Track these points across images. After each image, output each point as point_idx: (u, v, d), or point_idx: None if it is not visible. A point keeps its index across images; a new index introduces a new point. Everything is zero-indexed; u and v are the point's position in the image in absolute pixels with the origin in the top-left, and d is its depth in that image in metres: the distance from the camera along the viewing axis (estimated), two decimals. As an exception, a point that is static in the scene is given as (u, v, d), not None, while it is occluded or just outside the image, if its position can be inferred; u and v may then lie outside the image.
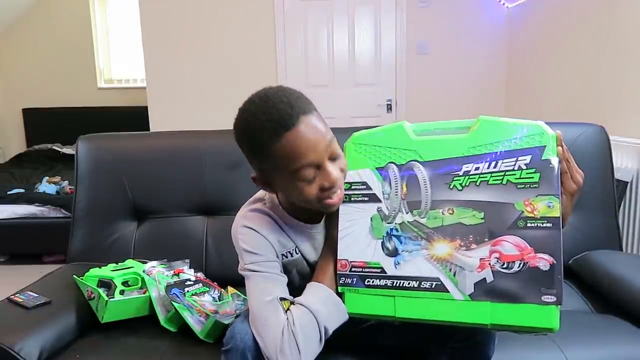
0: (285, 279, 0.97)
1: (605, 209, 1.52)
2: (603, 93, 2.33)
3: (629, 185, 1.91)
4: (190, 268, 1.41)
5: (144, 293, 1.26)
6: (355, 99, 3.60)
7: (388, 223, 0.90)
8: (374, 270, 0.90)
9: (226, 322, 1.13)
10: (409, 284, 0.87)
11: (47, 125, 4.74)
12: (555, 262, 0.79)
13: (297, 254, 1.01)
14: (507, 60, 3.55)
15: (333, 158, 0.89)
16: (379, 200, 0.91)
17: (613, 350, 1.15)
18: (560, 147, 0.82)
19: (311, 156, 0.85)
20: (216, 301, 1.27)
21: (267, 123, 0.85)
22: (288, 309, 0.90)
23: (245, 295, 1.30)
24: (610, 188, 1.53)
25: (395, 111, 3.63)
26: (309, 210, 0.96)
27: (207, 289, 1.30)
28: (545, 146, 0.82)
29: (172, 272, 1.34)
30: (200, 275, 1.40)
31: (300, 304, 0.90)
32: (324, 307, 0.90)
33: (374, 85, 3.62)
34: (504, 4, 3.48)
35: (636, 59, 2.08)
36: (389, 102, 3.62)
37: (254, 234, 0.96)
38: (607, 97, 2.30)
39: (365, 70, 3.60)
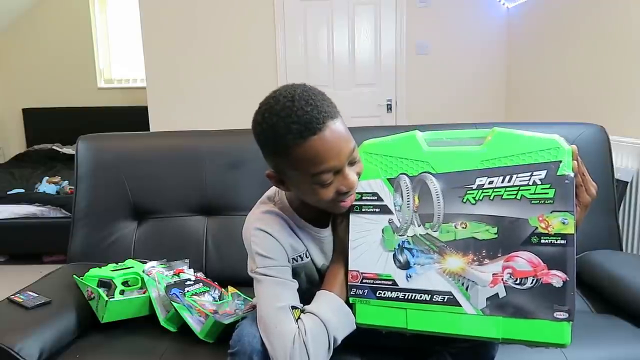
0: (295, 284, 0.97)
1: (605, 209, 1.52)
2: (603, 93, 2.33)
3: (629, 185, 1.91)
4: (190, 268, 1.41)
5: (144, 293, 1.25)
6: (355, 99, 3.60)
7: (400, 235, 0.90)
8: (385, 282, 0.90)
9: (226, 322, 1.12)
10: (420, 297, 0.87)
11: (47, 125, 4.74)
12: (568, 278, 0.79)
13: (307, 257, 1.01)
14: (507, 60, 3.55)
15: (352, 163, 0.89)
16: (390, 212, 0.91)
17: (613, 350, 1.15)
18: (575, 162, 0.82)
19: (334, 162, 0.85)
20: (216, 301, 1.27)
21: (293, 125, 0.83)
22: (299, 317, 0.90)
23: (246, 295, 1.30)
24: (610, 188, 1.53)
25: (395, 111, 3.63)
26: (317, 211, 0.96)
27: (208, 289, 1.30)
28: (560, 161, 0.81)
29: (172, 272, 1.34)
30: (200, 275, 1.40)
31: (312, 313, 0.89)
32: (334, 317, 0.90)
33: (374, 85, 3.62)
34: (503, 4, 3.48)
35: (636, 59, 2.08)
36: (389, 102, 3.62)
37: (267, 238, 0.95)
38: (607, 97, 2.30)
39: (365, 70, 3.60)
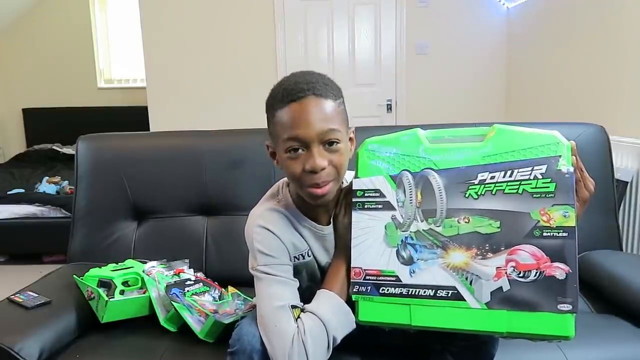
0: (296, 283, 0.97)
1: (605, 209, 1.52)
2: (603, 93, 2.33)
3: (629, 185, 1.91)
4: (190, 268, 1.41)
5: (144, 293, 1.25)
6: (355, 99, 3.59)
7: (403, 231, 0.90)
8: (388, 278, 0.90)
9: (226, 321, 1.12)
10: (424, 292, 0.87)
11: (47, 125, 4.73)
12: (570, 271, 0.80)
13: (309, 256, 1.01)
14: (506, 60, 3.55)
15: (327, 146, 0.90)
16: (393, 208, 0.91)
17: (613, 350, 1.15)
18: (574, 157, 0.83)
19: (302, 131, 0.88)
20: (216, 301, 1.27)
21: (282, 90, 0.92)
22: (299, 316, 0.90)
23: (246, 295, 1.30)
24: (610, 188, 1.53)
25: (395, 111, 3.63)
26: (320, 208, 0.98)
27: (208, 289, 1.30)
28: (560, 156, 0.83)
29: (172, 272, 1.34)
30: (200, 275, 1.40)
31: (311, 313, 0.90)
32: (334, 317, 0.90)
33: (374, 85, 3.62)
34: (503, 3, 3.48)
35: (636, 59, 2.08)
36: (389, 102, 3.62)
37: (269, 236, 0.95)
38: (607, 97, 2.30)
39: (365, 70, 3.60)
